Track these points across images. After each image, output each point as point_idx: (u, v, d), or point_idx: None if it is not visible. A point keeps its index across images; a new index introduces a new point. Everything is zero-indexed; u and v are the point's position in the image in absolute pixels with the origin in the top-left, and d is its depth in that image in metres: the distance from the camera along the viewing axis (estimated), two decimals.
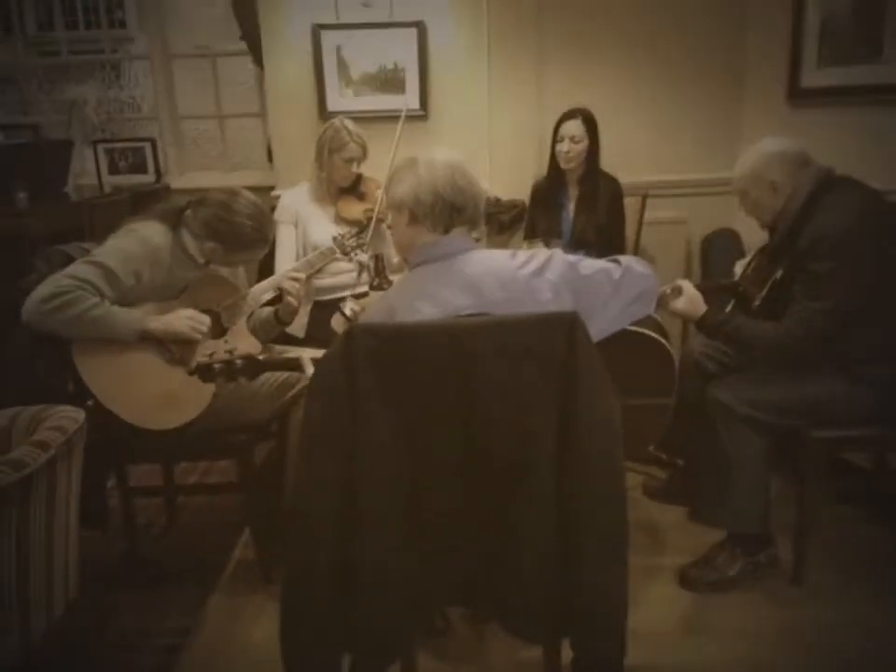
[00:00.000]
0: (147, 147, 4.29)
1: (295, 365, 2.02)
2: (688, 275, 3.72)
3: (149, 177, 4.31)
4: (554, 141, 3.17)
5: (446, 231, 1.68)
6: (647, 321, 1.89)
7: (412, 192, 1.66)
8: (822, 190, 2.17)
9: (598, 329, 1.62)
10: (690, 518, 2.34)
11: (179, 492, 2.84)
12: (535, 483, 1.45)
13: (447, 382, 1.42)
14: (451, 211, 1.66)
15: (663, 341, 1.91)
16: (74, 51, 4.40)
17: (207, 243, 2.27)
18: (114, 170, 4.33)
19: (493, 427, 1.44)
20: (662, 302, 2.24)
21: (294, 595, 1.49)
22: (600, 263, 1.73)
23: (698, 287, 2.33)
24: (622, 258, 1.77)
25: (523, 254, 1.68)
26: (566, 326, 1.39)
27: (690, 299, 2.30)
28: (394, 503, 1.46)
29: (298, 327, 3.02)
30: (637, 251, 3.49)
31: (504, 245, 3.58)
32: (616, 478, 1.45)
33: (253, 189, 2.80)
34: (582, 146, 3.12)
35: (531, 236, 3.33)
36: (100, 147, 4.30)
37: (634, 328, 1.84)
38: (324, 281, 3.03)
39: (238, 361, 1.83)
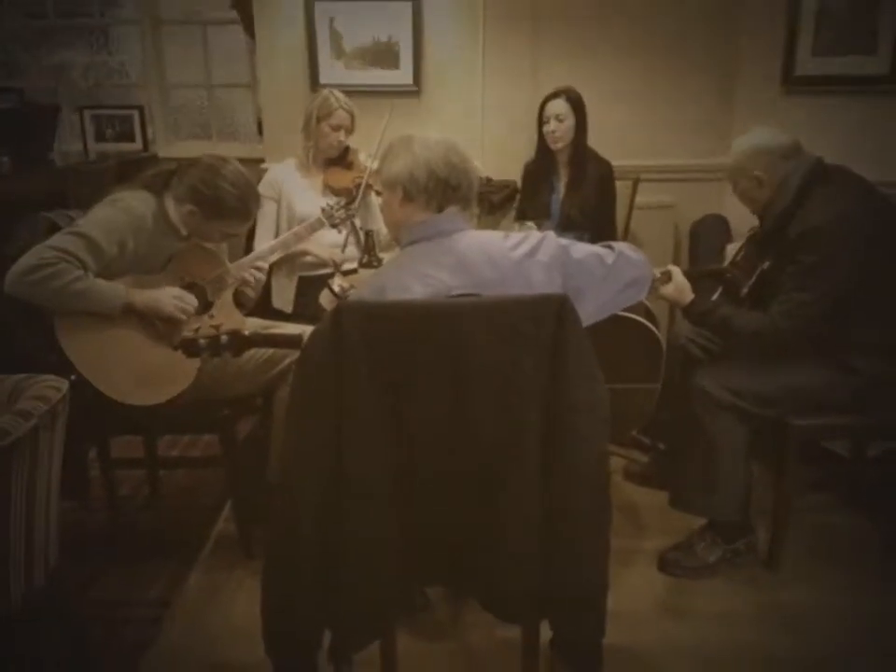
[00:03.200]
0: (135, 114, 4.23)
1: (281, 342, 2.01)
2: (676, 260, 3.72)
3: (136, 146, 4.26)
4: (541, 122, 3.16)
5: (440, 209, 1.66)
6: (636, 306, 1.90)
7: (406, 169, 1.65)
8: (813, 181, 2.18)
9: (588, 313, 1.62)
10: (670, 504, 2.35)
11: (162, 465, 2.83)
12: (520, 463, 1.45)
13: (436, 361, 1.41)
14: (445, 189, 1.65)
15: (652, 327, 1.92)
16: (61, 14, 4.30)
17: (186, 205, 2.23)
18: (100, 137, 4.27)
19: (480, 407, 1.44)
20: (651, 287, 2.25)
21: (276, 571, 1.49)
22: (593, 248, 1.72)
23: (687, 273, 2.34)
24: (615, 243, 1.77)
25: (515, 235, 1.67)
26: (555, 307, 1.39)
27: (678, 285, 2.31)
28: (379, 481, 1.46)
29: (285, 301, 3.02)
30: (626, 235, 3.49)
31: (495, 226, 3.57)
32: (600, 461, 1.46)
33: (242, 160, 2.77)
34: (568, 124, 3.11)
35: (522, 218, 3.32)
36: (87, 114, 4.24)
37: (623, 313, 1.84)
38: (311, 257, 3.02)
39: (223, 337, 1.81)
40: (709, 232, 3.46)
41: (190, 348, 1.79)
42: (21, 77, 4.36)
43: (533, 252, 1.63)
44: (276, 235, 2.90)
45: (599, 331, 1.60)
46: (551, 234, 1.69)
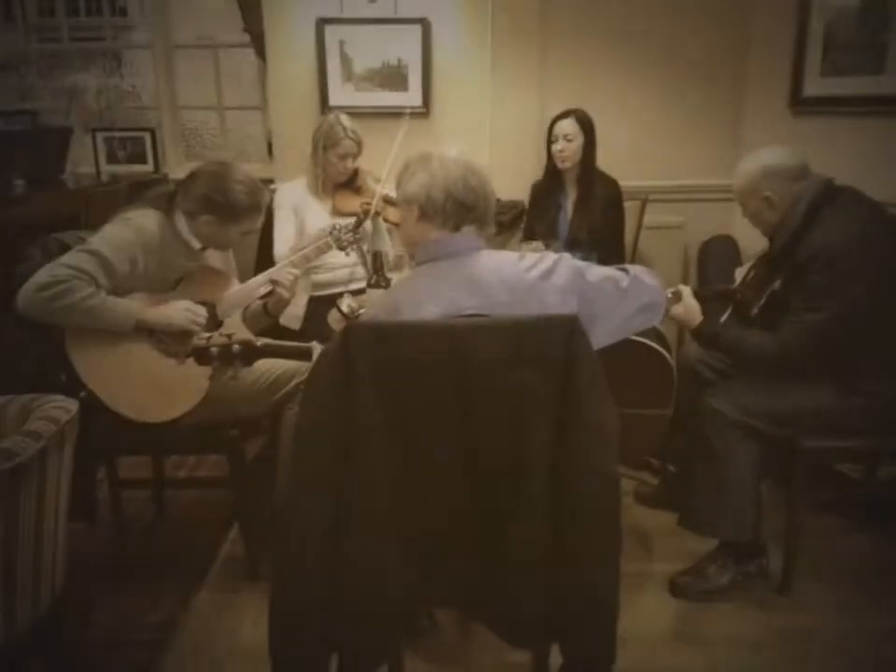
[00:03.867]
0: (147, 136, 4.26)
1: (292, 353, 2.01)
2: (685, 281, 3.71)
3: (148, 167, 4.28)
4: (549, 142, 3.18)
5: (455, 229, 1.66)
6: (649, 331, 1.88)
7: (423, 189, 1.65)
8: (823, 202, 2.17)
9: (602, 336, 1.62)
10: (680, 525, 2.33)
11: (169, 485, 2.82)
12: (529, 486, 1.44)
13: (445, 382, 1.41)
14: (461, 209, 1.65)
15: (664, 353, 1.90)
16: (75, 38, 4.36)
17: (201, 217, 2.26)
18: (112, 159, 4.29)
19: (489, 429, 1.44)
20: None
21: (283, 594, 1.48)
22: (608, 271, 1.71)
23: (696, 294, 2.34)
24: (630, 267, 1.76)
25: (531, 256, 1.67)
26: (565, 329, 1.39)
27: (687, 306, 2.32)
28: (386, 503, 1.45)
29: (293, 318, 3.02)
30: (634, 255, 3.49)
31: (503, 246, 3.58)
32: (610, 484, 1.45)
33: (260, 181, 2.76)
34: (577, 143, 3.13)
35: (529, 237, 3.33)
36: (99, 136, 4.26)
37: (636, 338, 1.83)
38: (321, 276, 3.03)
39: (235, 346, 1.82)
40: (718, 253, 3.46)
41: (202, 356, 1.80)
42: (35, 99, 4.41)
43: (548, 274, 1.62)
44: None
45: (612, 356, 1.59)
46: (566, 257, 1.68)
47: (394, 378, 1.40)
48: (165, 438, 2.27)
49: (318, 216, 3.01)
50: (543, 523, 1.46)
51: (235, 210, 2.25)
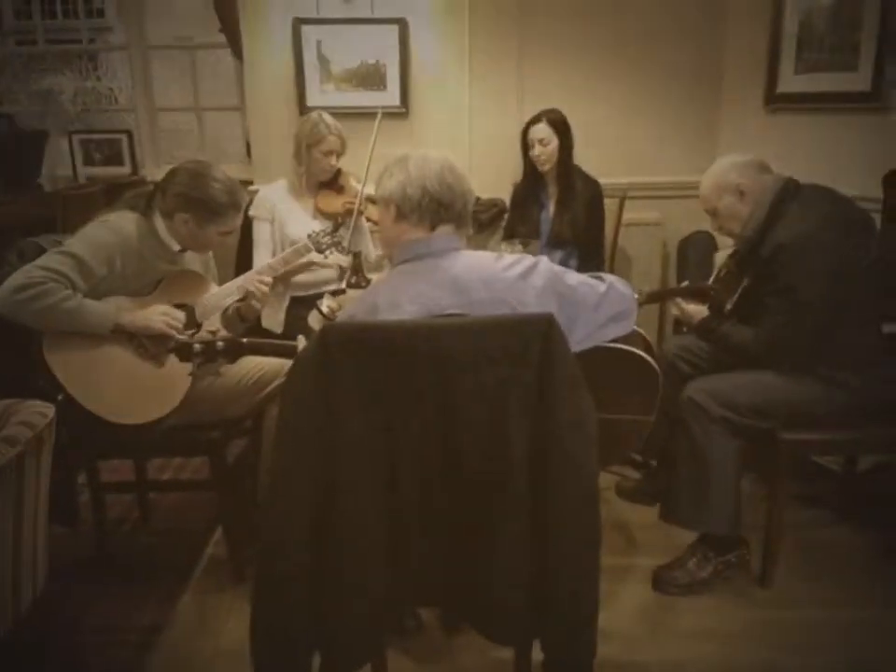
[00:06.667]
0: (124, 138, 4.24)
1: (277, 350, 2.01)
2: (664, 276, 3.75)
3: (125, 169, 4.26)
4: (525, 147, 3.21)
5: (432, 228, 1.67)
6: (634, 338, 1.91)
7: (399, 187, 1.66)
8: (786, 198, 2.21)
9: (575, 341, 1.63)
10: (661, 518, 2.35)
11: (152, 488, 2.81)
12: (509, 484, 1.44)
13: (424, 382, 1.41)
14: (437, 207, 1.65)
15: (649, 359, 1.92)
16: (50, 40, 4.32)
17: (179, 215, 2.24)
18: (90, 161, 4.28)
19: (469, 429, 1.44)
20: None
21: (265, 593, 1.48)
22: (584, 277, 1.73)
23: (671, 291, 2.37)
24: (605, 275, 1.78)
25: (509, 257, 1.68)
26: (542, 328, 1.39)
27: (684, 312, 2.47)
28: (368, 503, 1.45)
29: (275, 322, 3.02)
30: (614, 253, 3.51)
31: (482, 245, 3.59)
32: (589, 482, 1.45)
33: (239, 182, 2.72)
34: (552, 146, 3.16)
35: (510, 236, 3.34)
36: (75, 139, 4.24)
37: (620, 344, 1.86)
38: (302, 277, 3.02)
39: (219, 343, 1.83)
40: (697, 249, 3.48)
41: (185, 352, 1.81)
42: (11, 103, 4.37)
43: (526, 275, 1.63)
44: (273, 256, 2.89)
45: (596, 361, 1.61)
46: (545, 259, 1.70)
47: (373, 378, 1.40)
48: (147, 440, 2.26)
49: (299, 218, 3.00)
50: (524, 521, 1.46)
51: (213, 208, 2.24)
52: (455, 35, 3.55)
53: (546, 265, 1.66)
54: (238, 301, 2.45)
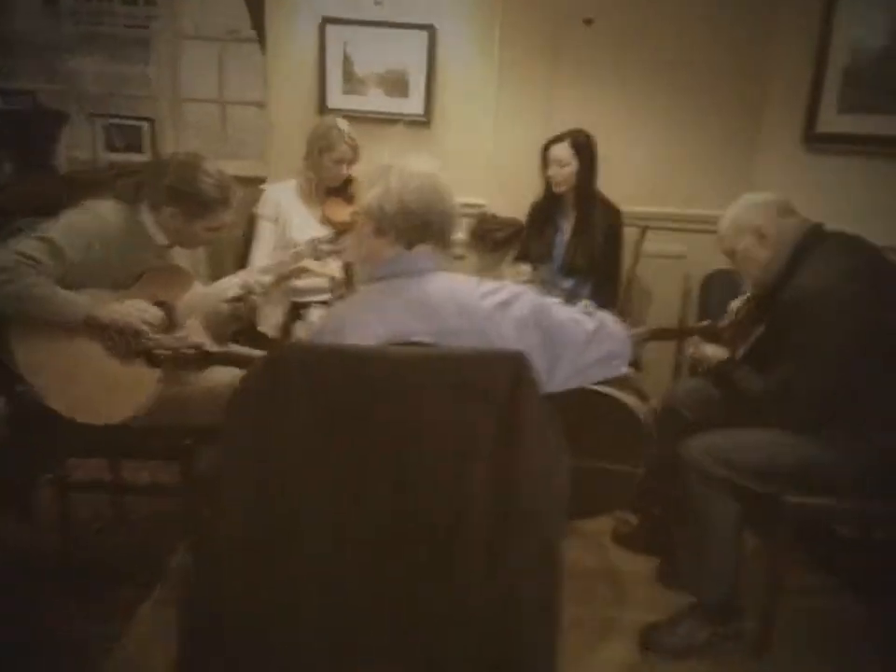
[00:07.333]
0: (146, 126, 4.18)
1: (249, 362, 1.90)
2: (683, 313, 3.58)
3: (145, 157, 4.20)
4: (544, 166, 3.07)
5: (409, 245, 1.55)
6: (626, 384, 1.77)
7: (377, 201, 1.55)
8: (810, 245, 2.06)
9: (559, 381, 1.52)
10: (658, 579, 2.20)
11: (121, 490, 2.70)
12: (464, 532, 1.31)
13: (381, 414, 1.29)
14: (416, 225, 1.54)
15: (633, 408, 1.78)
16: (80, 21, 4.28)
17: (167, 209, 2.16)
18: (111, 146, 4.22)
19: (426, 468, 1.31)
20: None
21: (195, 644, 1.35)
22: (573, 312, 1.60)
23: (683, 330, 2.23)
24: (597, 312, 1.65)
25: (490, 283, 1.55)
26: (511, 365, 1.26)
27: (701, 352, 2.34)
28: (315, 545, 1.32)
29: (271, 326, 2.93)
30: (631, 284, 3.36)
31: (496, 265, 3.46)
32: (549, 540, 1.31)
33: (250, 179, 2.66)
34: (569, 170, 3.02)
35: (524, 258, 3.22)
36: (97, 122, 4.19)
37: (606, 388, 1.72)
38: (302, 281, 2.92)
39: (188, 350, 1.74)
40: (722, 287, 3.33)
41: (151, 357, 1.72)
42: (36, 80, 4.33)
43: (507, 305, 1.51)
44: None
45: (581, 404, 1.48)
46: (530, 290, 1.58)
47: (327, 406, 1.28)
48: (111, 441, 2.16)
49: (306, 223, 2.92)
50: (480, 572, 1.32)
51: (202, 203, 2.16)
52: (485, 46, 3.42)
53: (531, 296, 1.54)
54: (235, 299, 2.36)
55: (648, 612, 2.28)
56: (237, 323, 2.43)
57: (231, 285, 2.35)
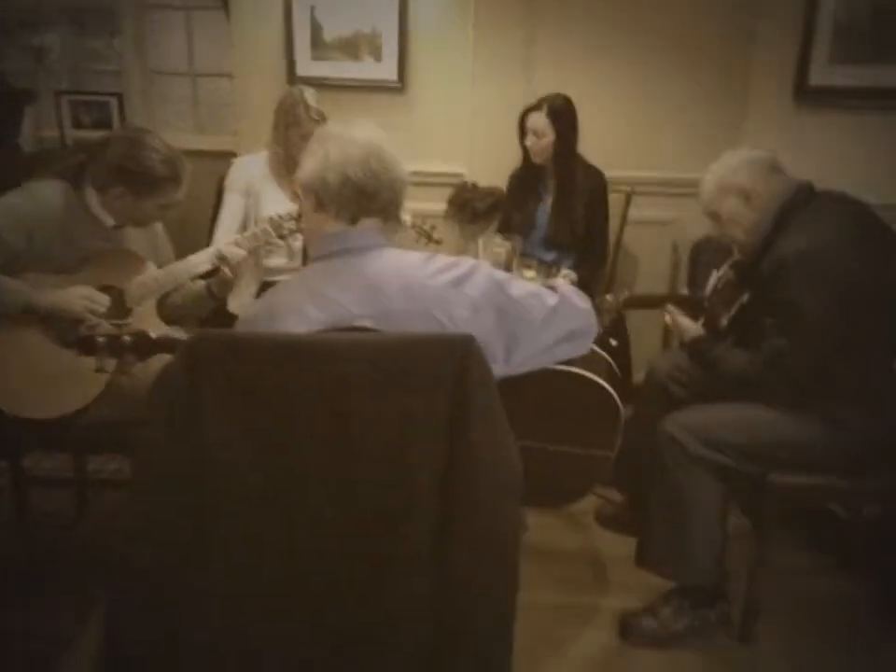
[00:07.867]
0: (114, 101, 4.04)
1: None
2: (673, 280, 3.45)
3: None
4: (522, 134, 2.93)
5: (353, 220, 1.42)
6: (599, 364, 1.65)
7: (318, 172, 1.42)
8: (797, 205, 1.91)
9: (518, 361, 1.40)
10: (636, 563, 2.09)
11: (85, 484, 2.59)
12: (410, 527, 1.20)
13: (314, 408, 1.18)
14: (360, 197, 1.41)
15: (611, 391, 1.66)
16: None
17: (113, 189, 2.03)
18: (77, 124, 4.08)
19: (366, 464, 1.20)
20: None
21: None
22: (533, 287, 1.47)
23: (660, 298, 2.11)
24: (559, 286, 1.52)
25: (442, 259, 1.42)
26: (458, 351, 1.14)
27: (677, 325, 2.21)
28: (244, 555, 1.22)
29: (241, 305, 2.79)
30: (618, 251, 3.22)
31: (475, 236, 3.33)
32: (505, 530, 1.20)
33: (223, 153, 2.50)
34: (546, 141, 2.89)
35: (506, 229, 3.08)
36: (64, 99, 4.04)
37: (575, 368, 1.60)
38: (273, 261, 2.81)
39: (126, 337, 1.61)
40: (712, 253, 3.19)
41: (86, 346, 1.60)
42: (3, 59, 4.17)
43: (459, 283, 1.38)
44: (241, 230, 2.67)
45: (547, 385, 1.37)
46: (485, 265, 1.44)
47: (252, 402, 1.16)
48: (64, 435, 2.04)
49: (275, 200, 2.78)
50: (426, 572, 1.22)
51: (150, 181, 2.02)
52: (459, 7, 3.26)
53: (485, 272, 1.40)
54: (207, 274, 2.23)
55: (629, 598, 2.19)
56: (214, 301, 2.31)
57: (200, 260, 2.22)
